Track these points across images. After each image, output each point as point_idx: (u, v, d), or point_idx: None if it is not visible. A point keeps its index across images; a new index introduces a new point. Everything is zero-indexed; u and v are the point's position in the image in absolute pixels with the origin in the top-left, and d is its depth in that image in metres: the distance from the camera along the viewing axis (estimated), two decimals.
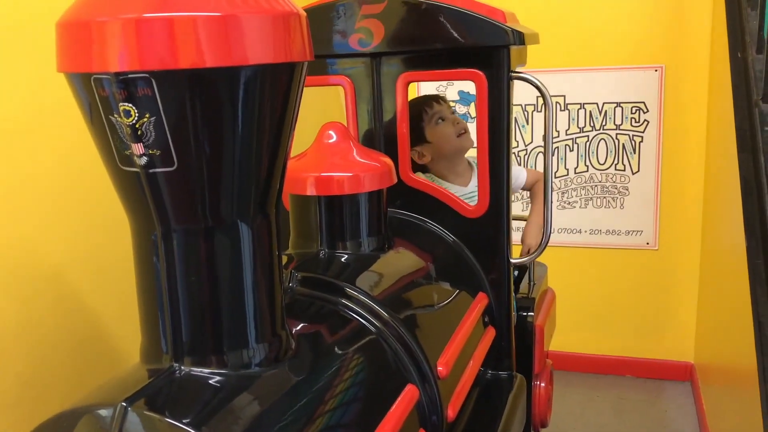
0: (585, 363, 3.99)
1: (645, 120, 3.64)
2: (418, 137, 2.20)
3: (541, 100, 3.77)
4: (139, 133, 0.99)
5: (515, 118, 3.81)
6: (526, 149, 3.86)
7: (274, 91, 1.03)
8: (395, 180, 1.66)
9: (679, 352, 3.86)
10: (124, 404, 0.99)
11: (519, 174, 2.43)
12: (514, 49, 1.77)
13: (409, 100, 2.05)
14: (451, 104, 2.56)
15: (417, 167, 2.21)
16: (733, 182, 2.55)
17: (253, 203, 1.08)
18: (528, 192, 2.58)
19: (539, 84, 1.78)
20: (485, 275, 1.88)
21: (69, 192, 1.79)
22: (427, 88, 3.70)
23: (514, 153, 3.84)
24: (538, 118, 3.82)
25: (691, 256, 3.70)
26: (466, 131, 2.23)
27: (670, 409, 3.66)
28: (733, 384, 2.75)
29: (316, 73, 1.91)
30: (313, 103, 2.18)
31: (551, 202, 1.88)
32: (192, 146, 1.00)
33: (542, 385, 2.24)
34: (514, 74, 1.78)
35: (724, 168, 2.91)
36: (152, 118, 0.98)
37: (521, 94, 3.83)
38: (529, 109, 3.81)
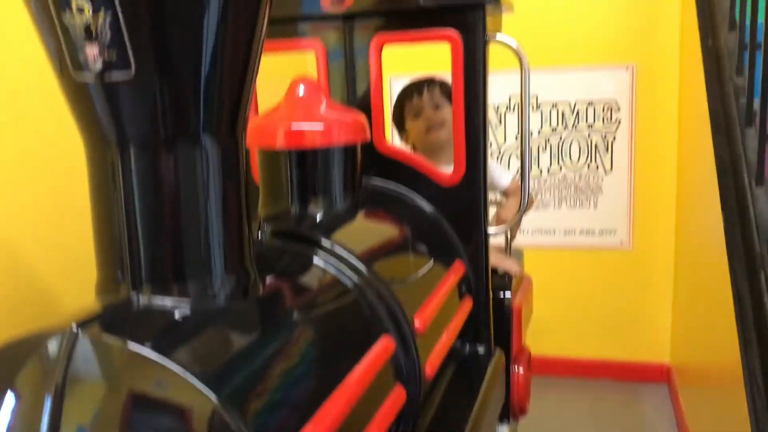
0: (560, 366, 3.93)
1: (617, 119, 3.64)
2: (400, 124, 2.37)
3: (514, 100, 3.76)
4: (93, 33, 0.91)
5: None
6: (500, 150, 3.83)
7: None
8: (368, 137, 1.60)
9: (655, 353, 3.82)
10: (74, 329, 0.90)
11: (502, 174, 2.38)
12: (490, 11, 1.73)
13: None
14: None
15: None
16: (708, 168, 2.54)
17: (221, 118, 1.01)
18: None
19: (514, 44, 1.75)
20: (463, 245, 1.82)
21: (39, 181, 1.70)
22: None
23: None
24: (511, 119, 3.80)
25: (665, 255, 3.69)
26: (435, 126, 2.25)
27: (647, 411, 3.61)
28: (713, 384, 2.71)
29: (287, 36, 1.85)
30: (280, 73, 2.13)
31: (529, 165, 1.84)
32: (151, 49, 0.93)
33: (520, 368, 2.17)
34: (490, 35, 1.74)
35: (698, 157, 2.90)
36: (108, 14, 0.90)
37: (493, 94, 3.81)
38: (502, 109, 3.79)
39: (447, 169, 1.91)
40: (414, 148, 2.37)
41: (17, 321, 1.63)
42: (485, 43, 1.73)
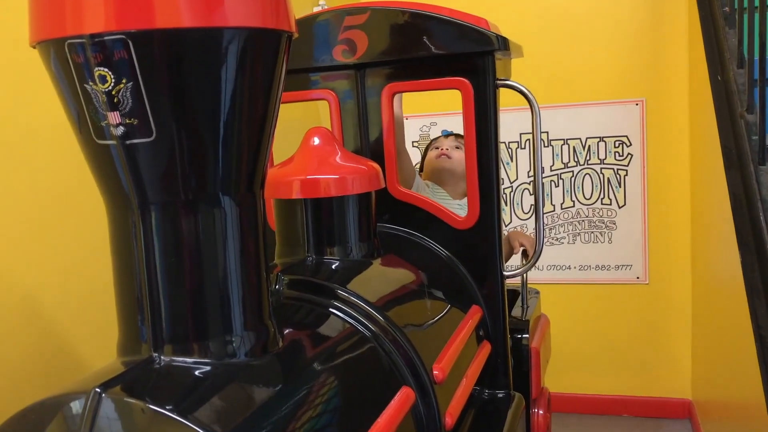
0: (581, 403, 3.88)
1: (629, 153, 3.65)
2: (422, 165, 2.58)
3: (525, 137, 3.78)
4: (115, 101, 0.94)
5: None
6: (512, 186, 3.84)
7: (257, 57, 0.99)
8: (383, 184, 1.61)
9: (676, 388, 3.77)
10: (97, 390, 0.91)
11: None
12: (498, 56, 1.75)
13: None
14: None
15: None
16: (722, 203, 2.53)
17: (239, 177, 1.03)
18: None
19: (525, 90, 1.77)
20: (478, 288, 1.82)
21: (44, 214, 1.73)
22: (414, 124, 3.74)
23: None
24: (522, 156, 3.81)
25: (682, 288, 3.66)
26: (445, 153, 2.40)
27: None
28: (737, 420, 2.66)
29: (300, 87, 1.88)
30: (294, 120, 2.16)
31: (543, 211, 1.84)
32: (171, 115, 0.95)
33: (540, 411, 2.15)
34: (500, 82, 1.76)
35: (712, 191, 2.89)
36: (129, 84, 0.93)
37: (504, 132, 3.83)
38: (513, 146, 3.81)
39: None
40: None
41: (41, 374, 1.64)
42: (495, 89, 1.76)
